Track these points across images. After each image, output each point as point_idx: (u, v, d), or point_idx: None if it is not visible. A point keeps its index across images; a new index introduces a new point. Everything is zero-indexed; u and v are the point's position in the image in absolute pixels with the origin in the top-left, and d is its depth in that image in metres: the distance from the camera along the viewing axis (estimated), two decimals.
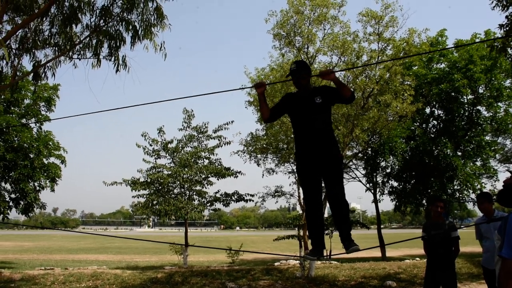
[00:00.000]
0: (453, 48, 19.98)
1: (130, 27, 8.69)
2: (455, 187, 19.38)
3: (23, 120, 17.17)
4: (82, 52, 8.90)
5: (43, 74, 8.92)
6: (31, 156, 16.79)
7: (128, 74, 9.23)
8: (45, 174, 17.35)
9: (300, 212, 16.20)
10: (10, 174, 16.47)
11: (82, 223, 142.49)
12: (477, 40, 19.36)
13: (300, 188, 15.20)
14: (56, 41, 8.60)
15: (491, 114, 20.41)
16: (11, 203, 16.84)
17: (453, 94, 19.24)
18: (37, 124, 17.33)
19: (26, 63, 18.11)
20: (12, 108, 17.07)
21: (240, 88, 4.76)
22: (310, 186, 4.06)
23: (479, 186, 18.78)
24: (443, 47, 20.02)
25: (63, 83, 17.73)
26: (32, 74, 8.95)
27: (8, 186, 16.87)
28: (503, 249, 2.85)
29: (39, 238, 55.43)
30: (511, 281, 2.76)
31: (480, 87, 19.72)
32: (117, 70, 8.80)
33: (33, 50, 9.01)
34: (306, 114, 4.06)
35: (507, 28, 8.53)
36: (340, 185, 4.04)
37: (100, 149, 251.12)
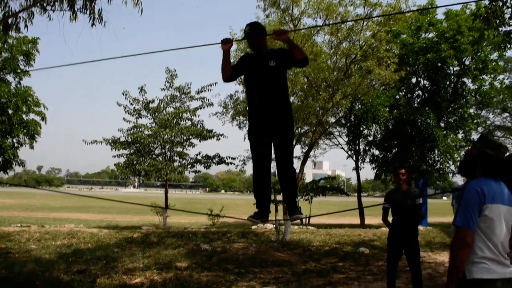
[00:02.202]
0: (432, 11, 19.64)
1: None
2: (435, 157, 19.56)
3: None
4: (56, 4, 8.52)
5: (15, 25, 8.54)
6: (9, 111, 16.46)
7: (104, 28, 8.92)
8: (24, 130, 17.08)
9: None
10: None
11: (67, 182, 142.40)
12: (467, 11, 19.13)
13: None
14: None
15: (476, 86, 20.43)
16: None
17: (439, 64, 19.11)
18: (16, 79, 16.91)
19: None
20: None
21: (210, 44, 4.49)
22: (259, 150, 4.02)
23: (459, 158, 18.97)
24: (432, 15, 19.78)
25: (40, 37, 17.09)
26: (1, 24, 8.57)
27: None
28: (457, 217, 2.82)
29: (22, 196, 55.28)
30: (463, 249, 2.74)
31: (467, 58, 19.64)
32: (92, 24, 8.44)
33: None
34: (258, 76, 3.97)
35: None
36: (289, 152, 4.03)
37: (84, 107, 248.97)
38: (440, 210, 28.62)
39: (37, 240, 11.04)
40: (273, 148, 4.07)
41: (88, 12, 8.56)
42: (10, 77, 16.85)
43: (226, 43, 3.97)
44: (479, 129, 21.71)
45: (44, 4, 8.75)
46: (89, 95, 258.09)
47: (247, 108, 4.17)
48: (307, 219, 21.52)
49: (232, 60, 4.20)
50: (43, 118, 17.78)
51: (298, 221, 20.85)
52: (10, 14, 8.61)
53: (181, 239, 11.55)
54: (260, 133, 3.97)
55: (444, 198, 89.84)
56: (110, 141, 15.52)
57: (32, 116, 17.61)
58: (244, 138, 17.55)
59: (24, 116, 17.23)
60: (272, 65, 3.91)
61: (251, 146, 4.08)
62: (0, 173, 18.23)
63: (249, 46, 4.11)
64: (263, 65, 3.94)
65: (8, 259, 8.81)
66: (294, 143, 4.38)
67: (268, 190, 4.11)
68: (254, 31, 3.97)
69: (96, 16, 8.66)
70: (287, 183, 4.02)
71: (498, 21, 8.21)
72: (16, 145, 17.10)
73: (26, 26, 8.91)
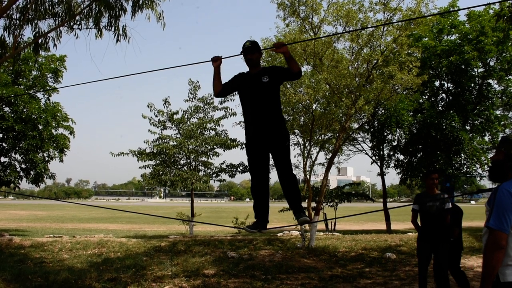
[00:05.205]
0: (454, 13, 19.43)
1: None
2: (462, 161, 19.24)
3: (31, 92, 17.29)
4: (82, 23, 8.88)
5: (45, 45, 8.93)
6: (40, 127, 16.99)
7: (128, 44, 9.23)
8: (53, 145, 17.58)
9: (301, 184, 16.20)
10: (20, 144, 16.72)
11: (95, 193, 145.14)
12: (490, 11, 18.87)
13: (304, 160, 15.30)
14: (56, 11, 8.58)
15: (502, 87, 20.08)
16: (21, 173, 17.15)
17: (463, 66, 18.89)
18: (45, 95, 17.47)
19: (29, 33, 18.13)
20: (20, 79, 17.21)
21: (202, 62, 4.59)
22: (256, 163, 4.20)
23: (486, 161, 18.63)
24: (453, 17, 19.60)
25: (67, 55, 17.62)
26: (33, 45, 8.96)
27: (18, 157, 17.18)
28: (490, 219, 2.76)
29: (53, 208, 56.70)
30: (497, 252, 2.67)
31: (491, 59, 19.34)
32: (117, 40, 8.77)
33: (36, 21, 9.00)
34: (252, 92, 4.18)
35: None
36: (287, 161, 4.19)
37: (110, 120, 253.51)
38: (468, 215, 28.01)
39: (69, 250, 11.38)
40: (271, 159, 4.26)
41: (113, 29, 8.89)
42: (40, 94, 17.44)
43: (216, 61, 4.29)
44: (507, 131, 21.27)
45: (71, 23, 9.14)
46: (115, 108, 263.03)
47: (244, 123, 4.31)
48: (333, 225, 21.46)
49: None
50: (71, 132, 18.26)
51: (324, 227, 20.82)
52: (40, 34, 9.02)
53: (208, 247, 11.72)
54: (256, 147, 4.17)
55: (472, 202, 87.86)
56: (136, 152, 15.85)
57: (61, 130, 18.13)
58: None
59: (53, 131, 17.73)
60: (265, 81, 4.12)
61: (248, 159, 4.27)
62: (32, 186, 18.79)
63: (245, 61, 4.28)
64: (256, 81, 4.16)
65: (43, 268, 9.12)
66: (292, 151, 4.53)
67: (265, 201, 4.28)
68: (253, 47, 4.20)
69: (121, 32, 9.00)
70: (289, 189, 4.19)
71: None
72: (46, 159, 17.59)
73: (55, 45, 9.31)
